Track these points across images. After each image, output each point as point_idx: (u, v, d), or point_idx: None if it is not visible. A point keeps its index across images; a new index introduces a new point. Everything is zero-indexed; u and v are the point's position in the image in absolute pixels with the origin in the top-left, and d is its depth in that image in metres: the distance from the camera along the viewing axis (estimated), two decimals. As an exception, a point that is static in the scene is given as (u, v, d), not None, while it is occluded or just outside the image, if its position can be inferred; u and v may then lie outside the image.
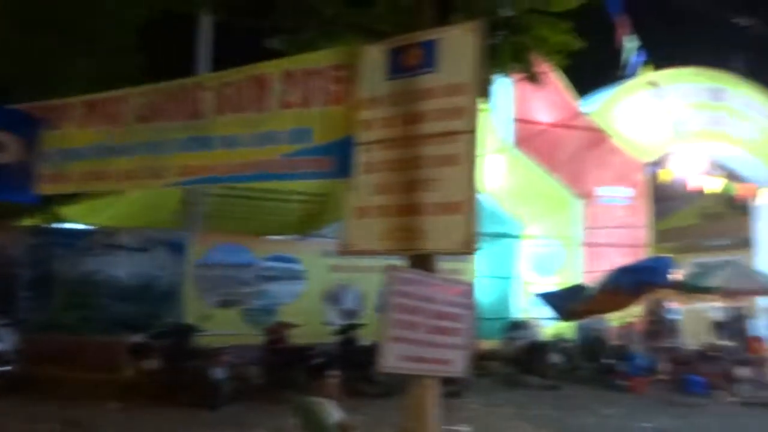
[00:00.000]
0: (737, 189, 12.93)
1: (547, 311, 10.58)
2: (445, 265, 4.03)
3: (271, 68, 3.72)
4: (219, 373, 6.90)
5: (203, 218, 9.66)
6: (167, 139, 3.87)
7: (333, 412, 3.98)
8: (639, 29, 7.41)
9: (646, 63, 8.05)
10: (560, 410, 7.67)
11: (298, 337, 8.19)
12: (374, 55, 3.55)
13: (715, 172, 13.86)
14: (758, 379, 9.43)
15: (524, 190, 11.84)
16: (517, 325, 10.64)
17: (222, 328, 8.41)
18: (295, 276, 9.74)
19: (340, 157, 3.48)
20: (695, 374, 9.46)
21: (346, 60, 3.59)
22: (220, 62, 8.03)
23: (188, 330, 7.77)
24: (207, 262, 9.20)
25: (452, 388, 6.80)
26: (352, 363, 7.21)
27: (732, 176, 14.54)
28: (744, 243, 15.15)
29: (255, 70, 3.74)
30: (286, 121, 3.60)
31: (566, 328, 11.25)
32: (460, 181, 3.36)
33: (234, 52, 5.96)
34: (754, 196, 13.38)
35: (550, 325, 11.46)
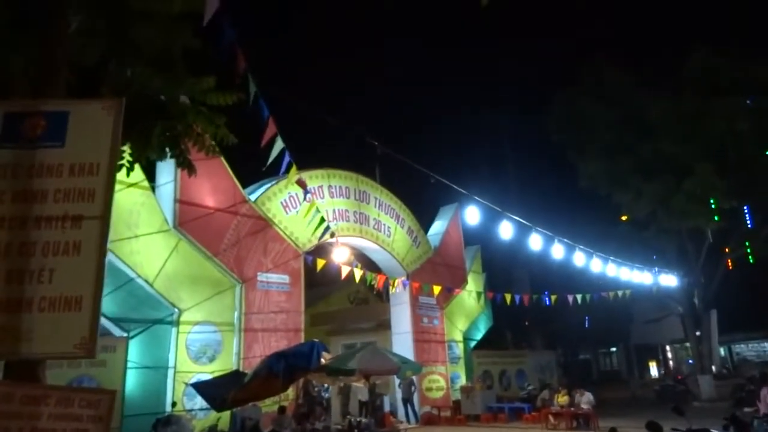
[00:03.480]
0: (377, 279, 14.96)
1: (202, 401, 10.16)
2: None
3: None
4: None
5: None
6: None
7: None
8: (287, 135, 8.20)
9: (291, 164, 8.87)
10: None
11: None
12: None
13: (360, 263, 15.98)
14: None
15: (184, 273, 11.45)
16: (165, 421, 9.84)
17: None
18: None
19: None
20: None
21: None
22: None
23: None
24: None
25: None
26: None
27: (374, 267, 16.95)
28: (385, 325, 17.54)
29: None
30: None
31: (221, 418, 10.94)
32: (82, 272, 2.94)
33: None
34: (389, 285, 15.68)
35: (205, 416, 11.00)
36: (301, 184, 10.87)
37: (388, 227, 16.66)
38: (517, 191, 34.82)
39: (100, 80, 4.47)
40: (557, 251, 16.20)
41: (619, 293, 20.74)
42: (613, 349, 40.04)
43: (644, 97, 20.26)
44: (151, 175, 11.66)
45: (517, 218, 14.34)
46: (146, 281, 10.85)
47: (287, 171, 9.05)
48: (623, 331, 36.81)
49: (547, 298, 18.85)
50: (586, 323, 36.22)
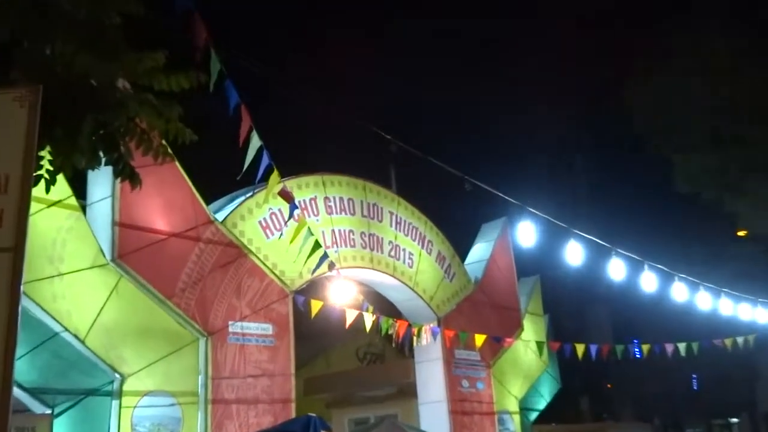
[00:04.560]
0: (395, 326, 14.93)
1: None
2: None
3: None
4: None
5: None
6: None
7: None
8: (267, 129, 8.32)
9: (271, 168, 8.95)
10: None
11: None
12: None
13: (372, 305, 16.01)
14: None
15: (127, 324, 11.52)
16: None
17: None
18: None
19: None
20: None
21: None
22: None
23: None
24: None
25: None
26: None
27: (391, 310, 16.95)
28: (409, 391, 17.46)
29: None
30: None
31: None
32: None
33: None
34: (413, 335, 15.66)
35: None
36: (285, 196, 10.95)
37: (410, 254, 16.67)
38: (587, 201, 34.76)
39: (9, 63, 4.57)
40: (648, 282, 16.09)
41: (739, 340, 20.45)
42: (734, 420, 39.37)
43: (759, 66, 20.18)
44: (80, 190, 11.80)
45: (589, 237, 14.31)
46: (76, 336, 10.91)
47: (266, 178, 9.13)
48: (746, 393, 36.18)
49: (636, 349, 18.69)
50: (694, 384, 35.74)
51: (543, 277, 20.78)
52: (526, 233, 14.36)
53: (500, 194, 13.05)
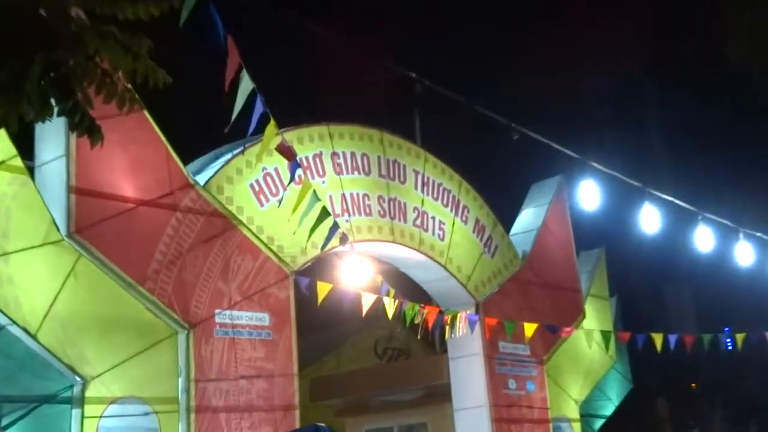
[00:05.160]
0: (423, 314, 14.93)
1: None
2: None
3: None
4: None
5: None
6: None
7: None
8: (261, 69, 8.30)
9: (267, 117, 8.92)
10: None
11: None
12: None
13: (394, 287, 16.04)
14: None
15: (88, 315, 11.64)
16: None
17: None
18: None
19: None
20: None
21: None
22: None
23: None
24: None
25: None
26: None
27: (417, 294, 16.99)
28: (441, 394, 17.51)
29: None
30: None
31: None
32: None
33: None
34: (445, 325, 15.67)
35: None
36: (285, 151, 10.93)
37: (441, 223, 16.68)
38: (665, 155, 34.42)
39: None
40: (744, 254, 16.01)
41: None
42: None
43: None
44: (27, 148, 11.85)
45: (669, 199, 14.22)
46: (25, 330, 11.03)
47: (260, 130, 9.11)
48: None
49: (728, 340, 18.65)
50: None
51: (609, 250, 20.71)
52: (589, 195, 14.27)
53: (556, 145, 12.93)
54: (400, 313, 14.73)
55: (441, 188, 16.86)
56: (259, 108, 8.86)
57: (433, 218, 16.56)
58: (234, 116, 8.33)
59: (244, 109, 8.49)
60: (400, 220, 15.91)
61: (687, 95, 33.97)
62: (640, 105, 37.84)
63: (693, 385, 31.73)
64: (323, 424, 10.78)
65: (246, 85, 8.29)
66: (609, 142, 32.00)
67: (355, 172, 15.43)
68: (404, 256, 16.30)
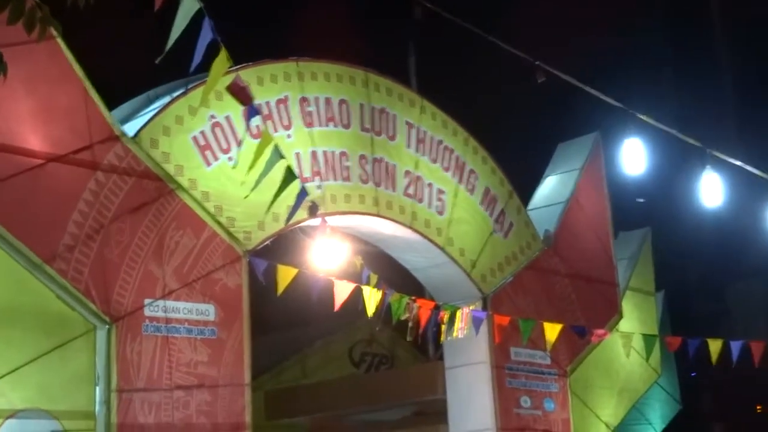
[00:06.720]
0: (414, 309, 14.98)
1: None
2: None
3: None
4: None
5: None
6: None
7: None
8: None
9: (216, 46, 8.83)
10: None
11: None
12: None
13: (377, 273, 16.09)
14: None
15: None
16: None
17: None
18: None
19: None
20: None
21: None
22: None
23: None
24: None
25: None
26: None
27: (406, 283, 17.05)
28: (435, 412, 17.68)
29: None
30: None
31: None
32: None
33: None
34: (441, 324, 15.73)
35: None
36: (240, 93, 10.85)
37: (440, 191, 16.76)
38: (731, 110, 34.57)
39: None
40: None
41: None
42: None
43: None
44: None
45: (737, 163, 14.28)
46: None
47: (207, 67, 9.06)
48: None
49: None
50: None
51: (656, 232, 20.82)
52: (633, 158, 14.23)
53: (592, 90, 12.89)
54: (383, 308, 14.75)
55: (441, 147, 16.86)
56: (206, 35, 8.77)
57: (430, 186, 16.59)
58: (170, 43, 8.21)
59: (185, 36, 8.39)
60: (387, 187, 15.94)
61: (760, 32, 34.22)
62: (700, 46, 38.01)
63: (758, 407, 32.07)
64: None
65: (188, 3, 8.20)
66: (660, 90, 32.11)
67: (331, 124, 15.43)
68: (391, 234, 16.36)
